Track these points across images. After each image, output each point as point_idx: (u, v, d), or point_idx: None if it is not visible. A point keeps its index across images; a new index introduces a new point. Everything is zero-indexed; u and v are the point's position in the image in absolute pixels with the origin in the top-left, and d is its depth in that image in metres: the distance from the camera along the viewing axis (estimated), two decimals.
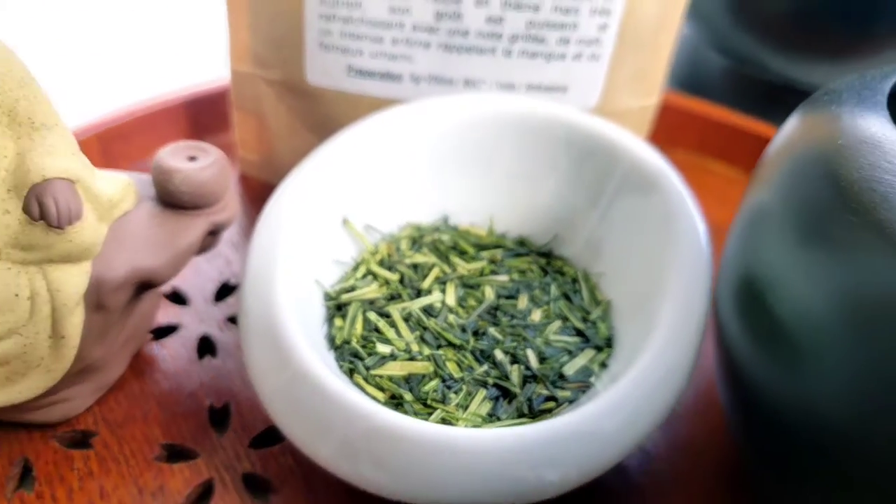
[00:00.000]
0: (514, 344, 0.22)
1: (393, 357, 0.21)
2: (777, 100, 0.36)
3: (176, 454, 0.21)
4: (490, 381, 0.21)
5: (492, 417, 0.20)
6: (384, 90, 0.27)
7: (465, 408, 0.20)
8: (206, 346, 0.25)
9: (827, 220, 0.17)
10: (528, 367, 0.21)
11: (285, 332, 0.19)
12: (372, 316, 0.22)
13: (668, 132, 0.36)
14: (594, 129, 0.25)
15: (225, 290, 0.26)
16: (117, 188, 0.21)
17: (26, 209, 0.18)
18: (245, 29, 0.27)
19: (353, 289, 0.23)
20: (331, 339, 0.22)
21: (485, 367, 0.21)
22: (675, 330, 0.20)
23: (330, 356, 0.21)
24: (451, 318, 0.23)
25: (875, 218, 0.15)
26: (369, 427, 0.18)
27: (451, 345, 0.22)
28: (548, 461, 0.18)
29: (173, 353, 0.24)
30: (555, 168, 0.25)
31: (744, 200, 0.21)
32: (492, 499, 0.18)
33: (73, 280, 0.19)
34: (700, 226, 0.22)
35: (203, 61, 0.37)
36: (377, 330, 0.22)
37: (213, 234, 0.22)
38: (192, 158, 0.22)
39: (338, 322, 0.22)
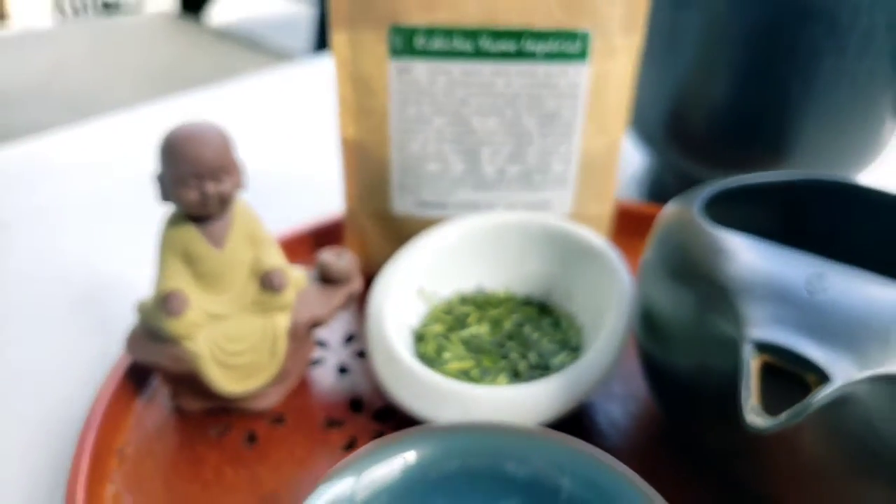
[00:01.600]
0: (522, 349, 0.38)
1: (452, 359, 0.38)
2: None
3: (333, 423, 0.37)
4: (508, 369, 0.37)
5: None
6: (438, 213, 0.45)
7: (494, 382, 0.36)
8: (342, 369, 0.41)
9: (666, 265, 0.33)
10: (530, 363, 0.38)
11: (396, 351, 0.36)
12: (439, 340, 0.39)
13: (635, 228, 0.53)
14: (562, 226, 0.42)
15: (350, 337, 0.43)
16: (299, 274, 0.38)
17: (261, 284, 0.36)
18: (354, 183, 0.45)
19: (426, 326, 0.40)
20: (416, 354, 0.38)
21: (504, 363, 0.38)
22: (608, 337, 0.36)
23: (417, 362, 0.37)
24: (485, 338, 0.39)
25: (680, 261, 0.32)
26: (444, 391, 0.34)
27: (484, 352, 0.38)
28: (534, 403, 0.34)
29: (324, 374, 0.41)
30: (540, 250, 0.42)
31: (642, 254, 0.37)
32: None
33: (283, 321, 0.36)
34: (626, 276, 0.38)
35: (326, 200, 0.55)
36: (443, 347, 0.38)
37: (349, 298, 0.39)
38: (339, 255, 0.39)
39: (420, 345, 0.39)
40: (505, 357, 0.38)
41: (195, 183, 0.33)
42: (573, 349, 0.39)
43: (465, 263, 0.43)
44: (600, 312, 0.38)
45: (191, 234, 0.35)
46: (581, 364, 0.35)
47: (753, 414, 0.25)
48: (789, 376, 0.26)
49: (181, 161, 0.33)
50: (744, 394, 0.25)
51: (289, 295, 0.36)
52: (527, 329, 0.40)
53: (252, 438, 0.37)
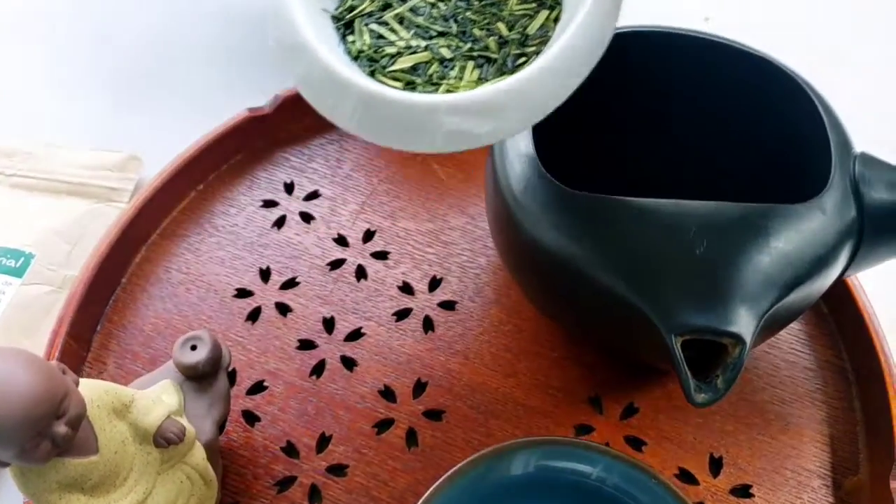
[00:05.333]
0: (487, 20, 0.30)
1: (399, 55, 0.29)
2: None
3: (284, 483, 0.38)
4: (475, 54, 0.29)
5: (481, 80, 0.28)
6: None
7: (461, 78, 0.29)
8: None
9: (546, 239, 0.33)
10: (500, 36, 0.29)
11: (327, 66, 0.26)
12: (374, 26, 0.30)
13: None
14: None
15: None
16: (173, 394, 0.34)
17: (159, 445, 0.32)
18: None
19: (352, 9, 0.31)
20: (349, 54, 0.29)
21: (468, 44, 0.29)
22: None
23: (354, 66, 0.29)
24: (434, 11, 0.30)
25: (563, 239, 0.32)
26: (405, 112, 0.26)
27: (439, 34, 0.30)
28: (516, 104, 0.26)
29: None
30: None
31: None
32: (491, 128, 0.26)
33: (198, 455, 0.33)
34: None
35: None
36: (381, 37, 0.30)
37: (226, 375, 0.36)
38: (194, 347, 0.35)
39: (350, 38, 0.30)
40: (467, 36, 0.30)
41: (39, 438, 0.27)
42: (551, 6, 0.30)
43: None
44: None
45: (57, 466, 0.29)
46: (572, 34, 0.27)
47: (696, 392, 0.29)
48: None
49: (8, 434, 0.26)
50: (683, 378, 0.29)
51: (190, 433, 0.33)
52: None
53: None
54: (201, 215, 0.46)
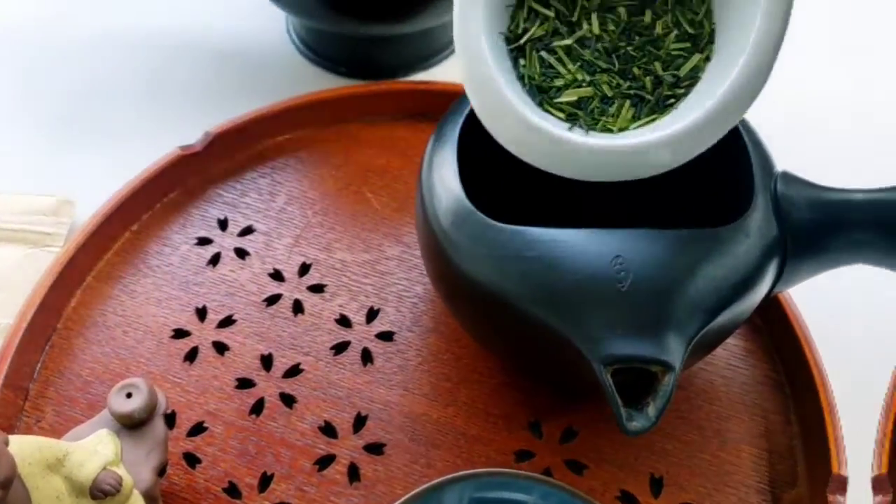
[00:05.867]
0: (645, 58, 0.32)
1: (566, 87, 0.32)
2: None
3: None
4: (632, 92, 0.32)
5: (634, 119, 0.32)
6: None
7: (618, 116, 0.32)
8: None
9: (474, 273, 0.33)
10: (656, 76, 0.32)
11: (509, 101, 0.31)
12: (544, 55, 0.33)
13: None
14: None
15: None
16: (109, 444, 0.33)
17: (95, 498, 0.31)
18: None
19: (524, 32, 0.33)
20: (521, 79, 0.33)
21: (627, 83, 0.32)
22: (759, 37, 0.29)
23: (525, 94, 0.32)
24: (599, 45, 0.33)
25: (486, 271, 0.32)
26: (570, 148, 0.31)
27: (603, 70, 0.33)
28: (664, 145, 0.30)
29: None
30: None
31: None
32: (632, 170, 0.31)
33: None
34: None
35: None
36: (551, 66, 0.33)
37: (165, 420, 0.35)
38: (129, 395, 0.34)
39: (521, 62, 0.33)
40: (626, 75, 0.33)
41: None
42: (705, 44, 0.32)
43: None
44: None
45: None
46: (727, 83, 0.30)
47: (629, 421, 0.30)
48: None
49: None
50: (615, 408, 0.30)
51: (127, 483, 0.32)
52: (647, 17, 0.33)
53: None
54: (136, 256, 0.46)
